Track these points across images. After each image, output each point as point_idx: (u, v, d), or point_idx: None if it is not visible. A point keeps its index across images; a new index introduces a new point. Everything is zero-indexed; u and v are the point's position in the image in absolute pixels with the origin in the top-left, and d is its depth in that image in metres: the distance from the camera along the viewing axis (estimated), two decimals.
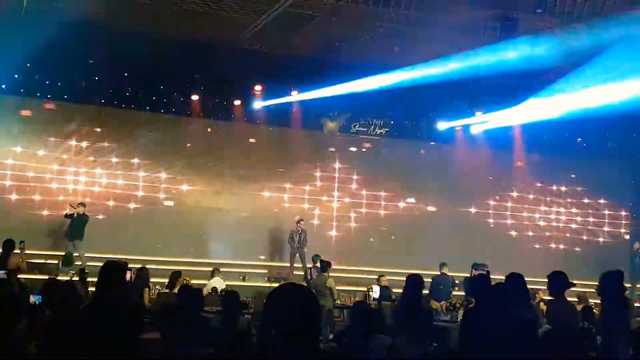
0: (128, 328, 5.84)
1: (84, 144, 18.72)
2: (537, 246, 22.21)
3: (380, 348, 7.04)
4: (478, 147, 21.24)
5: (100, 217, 18.21)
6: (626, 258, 20.18)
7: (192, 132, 19.82)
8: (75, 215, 16.59)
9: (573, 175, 22.84)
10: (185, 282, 13.46)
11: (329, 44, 17.27)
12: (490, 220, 22.23)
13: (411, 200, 21.62)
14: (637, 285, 19.16)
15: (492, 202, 22.35)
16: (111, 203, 18.74)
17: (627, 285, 19.03)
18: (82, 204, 16.89)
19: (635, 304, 14.86)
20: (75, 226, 16.57)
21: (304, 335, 2.79)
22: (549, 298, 8.43)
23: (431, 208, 21.59)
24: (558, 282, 8.14)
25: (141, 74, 18.34)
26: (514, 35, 15.42)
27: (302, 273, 17.37)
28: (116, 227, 18.11)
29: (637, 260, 19.88)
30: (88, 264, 15.54)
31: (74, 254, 16.35)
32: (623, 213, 23.25)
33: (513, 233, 22.24)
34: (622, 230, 23.10)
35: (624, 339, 7.18)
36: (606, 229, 23.07)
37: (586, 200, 23.10)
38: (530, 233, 22.53)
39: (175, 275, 13.61)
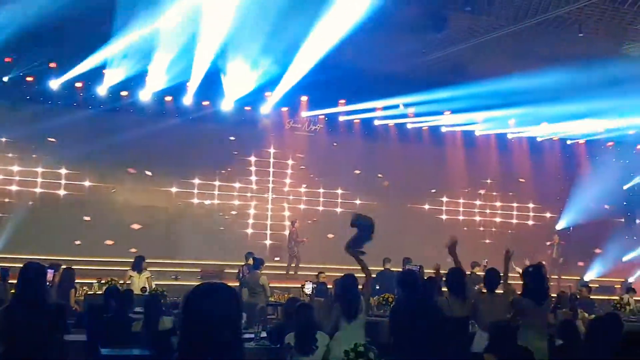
0: (50, 329, 5.68)
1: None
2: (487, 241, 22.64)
3: (319, 344, 6.98)
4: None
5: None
6: None
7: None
8: None
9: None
10: (113, 282, 13.15)
11: None
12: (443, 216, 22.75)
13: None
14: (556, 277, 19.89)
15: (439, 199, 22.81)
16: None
17: None
18: None
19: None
20: None
21: (223, 334, 2.70)
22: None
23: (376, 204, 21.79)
24: (492, 278, 8.27)
25: None
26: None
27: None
28: (42, 225, 17.57)
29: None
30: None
31: None
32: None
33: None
34: None
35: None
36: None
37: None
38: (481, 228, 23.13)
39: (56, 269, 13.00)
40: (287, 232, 20.13)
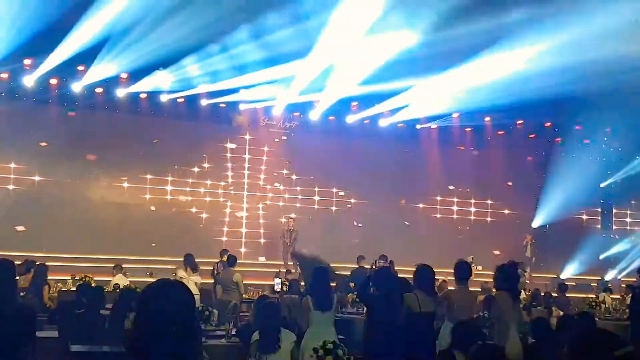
0: (18, 326, 5.60)
1: None
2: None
3: (284, 342, 6.98)
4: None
5: None
6: None
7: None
8: None
9: None
10: (87, 279, 13.06)
11: None
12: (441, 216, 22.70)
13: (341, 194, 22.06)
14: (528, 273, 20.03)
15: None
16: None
17: None
18: None
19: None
20: None
21: (177, 332, 2.67)
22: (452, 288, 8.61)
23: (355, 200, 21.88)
24: (462, 270, 8.33)
25: None
26: None
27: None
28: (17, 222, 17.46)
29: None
30: None
31: None
32: None
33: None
34: None
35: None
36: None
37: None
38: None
39: (29, 266, 12.92)
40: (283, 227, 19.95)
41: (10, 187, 18.61)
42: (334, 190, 22.02)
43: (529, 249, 21.44)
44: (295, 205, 21.46)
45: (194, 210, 20.44)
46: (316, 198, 21.78)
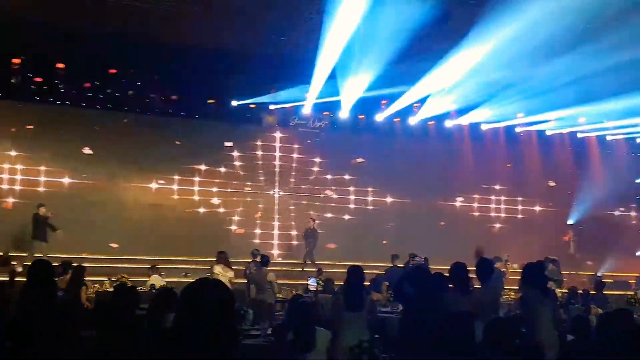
0: (59, 326, 5.70)
1: None
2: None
3: (320, 341, 6.99)
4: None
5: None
6: None
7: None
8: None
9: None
10: (123, 279, 13.21)
11: None
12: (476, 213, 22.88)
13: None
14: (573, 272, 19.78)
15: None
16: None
17: None
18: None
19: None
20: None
21: (217, 329, 2.70)
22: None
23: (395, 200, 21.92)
24: (485, 268, 8.23)
25: None
26: None
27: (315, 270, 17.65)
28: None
29: None
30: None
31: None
32: None
33: None
34: None
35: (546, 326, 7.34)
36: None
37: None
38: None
39: (66, 267, 13.06)
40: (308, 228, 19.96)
41: (42, 189, 18.81)
42: (369, 189, 21.98)
43: (572, 246, 21.18)
44: (331, 205, 21.52)
45: (223, 210, 20.53)
46: (351, 197, 21.80)
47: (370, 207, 21.96)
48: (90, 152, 18.73)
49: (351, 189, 21.80)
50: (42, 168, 18.77)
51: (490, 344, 5.93)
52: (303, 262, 19.08)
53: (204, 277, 2.97)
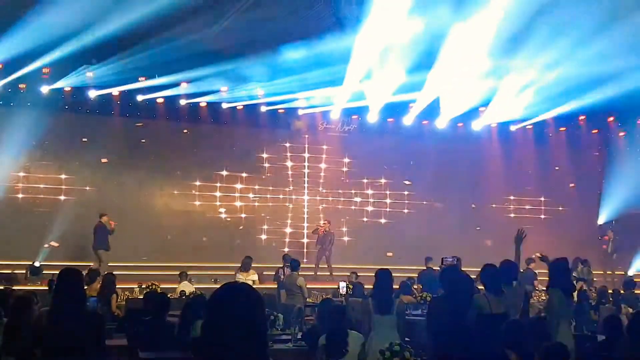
0: (88, 333, 5.73)
1: None
2: None
3: (352, 345, 6.95)
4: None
5: None
6: None
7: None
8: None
9: None
10: (153, 286, 13.28)
11: None
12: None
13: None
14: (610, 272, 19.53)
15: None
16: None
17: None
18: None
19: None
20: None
21: (247, 335, 2.69)
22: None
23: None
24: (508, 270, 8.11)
25: None
26: None
27: (328, 273, 17.60)
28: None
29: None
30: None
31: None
32: None
33: None
34: None
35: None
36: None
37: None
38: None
39: (93, 275, 13.14)
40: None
41: (63, 197, 18.96)
42: (406, 193, 21.94)
43: (611, 246, 20.91)
44: (368, 210, 21.61)
45: (253, 216, 20.62)
46: (387, 201, 21.83)
47: (406, 211, 21.88)
48: (105, 160, 18.90)
49: (387, 192, 21.83)
50: (66, 176, 18.96)
51: (509, 345, 5.89)
52: (328, 267, 19.04)
53: (231, 282, 2.95)
